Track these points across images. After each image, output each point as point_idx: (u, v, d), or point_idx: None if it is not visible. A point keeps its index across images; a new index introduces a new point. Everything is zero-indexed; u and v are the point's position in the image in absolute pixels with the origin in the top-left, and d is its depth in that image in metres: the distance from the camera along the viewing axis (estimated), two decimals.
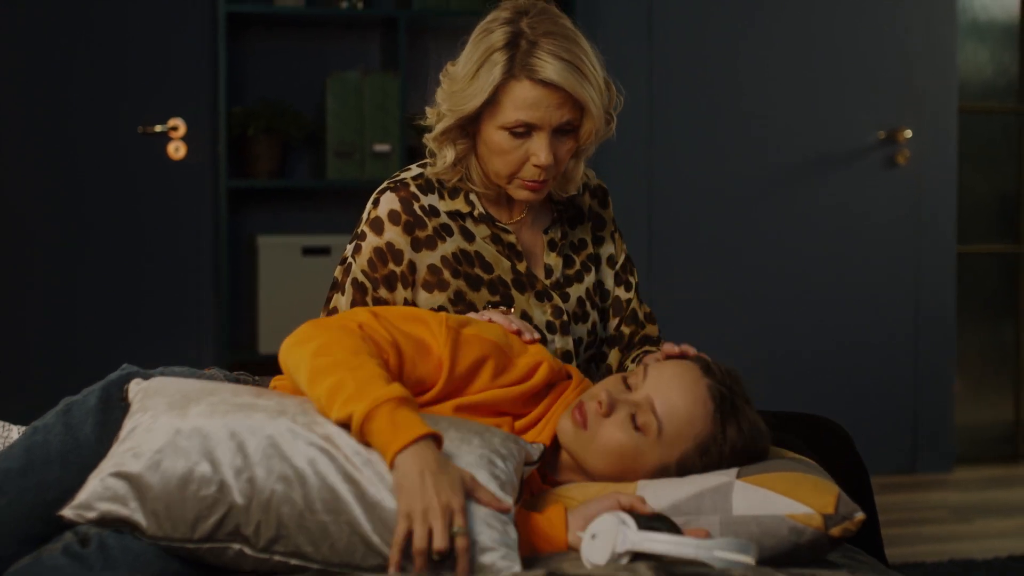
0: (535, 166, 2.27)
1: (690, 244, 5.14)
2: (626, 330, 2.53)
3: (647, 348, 2.51)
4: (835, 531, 1.90)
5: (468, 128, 2.32)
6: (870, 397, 5.29)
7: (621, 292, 2.52)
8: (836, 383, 5.25)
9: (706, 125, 5.17)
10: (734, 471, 1.99)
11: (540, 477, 2.11)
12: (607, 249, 2.52)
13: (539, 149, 2.25)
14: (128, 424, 1.90)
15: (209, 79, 4.69)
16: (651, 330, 2.56)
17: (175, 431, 1.85)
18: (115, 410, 1.97)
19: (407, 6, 4.81)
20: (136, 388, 1.98)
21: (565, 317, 2.39)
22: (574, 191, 2.44)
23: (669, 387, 2.03)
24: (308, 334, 1.94)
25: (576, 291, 2.44)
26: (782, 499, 1.91)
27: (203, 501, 1.80)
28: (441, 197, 2.36)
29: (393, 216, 2.33)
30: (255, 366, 4.72)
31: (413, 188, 2.35)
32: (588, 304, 2.45)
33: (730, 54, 5.18)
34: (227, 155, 4.65)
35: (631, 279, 2.54)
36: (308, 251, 4.69)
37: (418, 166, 2.41)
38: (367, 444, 1.81)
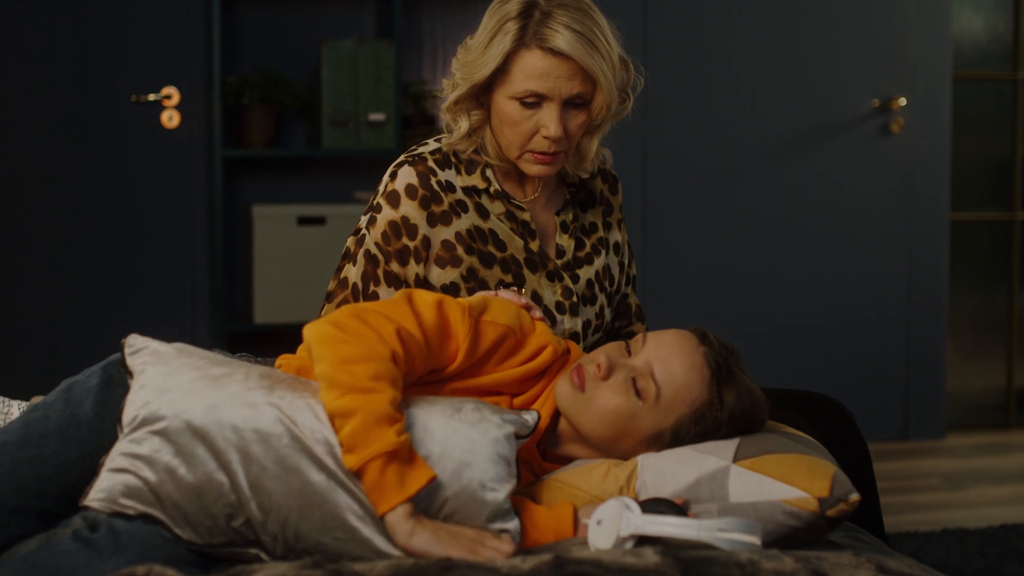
0: (545, 138, 2.27)
1: (684, 214, 5.14)
2: (617, 323, 2.57)
3: None
4: (831, 513, 1.92)
5: (482, 98, 2.32)
6: (862, 365, 5.31)
7: (623, 282, 2.54)
8: (829, 351, 5.27)
9: (700, 95, 5.16)
10: (730, 454, 1.99)
11: (540, 453, 2.13)
12: (614, 236, 2.52)
13: (549, 120, 2.25)
14: (137, 399, 1.89)
15: (203, 48, 4.67)
16: (638, 327, 2.59)
17: (190, 430, 1.85)
18: (116, 388, 1.96)
19: None
20: (140, 360, 1.95)
21: (575, 298, 2.40)
22: (590, 169, 2.43)
23: (668, 353, 2.05)
24: (340, 334, 1.90)
25: (586, 273, 2.44)
26: (777, 484, 1.92)
27: (222, 511, 1.83)
28: (458, 172, 2.36)
29: (410, 190, 2.32)
30: (251, 336, 4.73)
31: (431, 163, 2.35)
32: (597, 287, 2.45)
33: (724, 24, 5.16)
34: (221, 124, 4.63)
35: (630, 271, 2.56)
36: (303, 221, 4.68)
37: (435, 140, 2.41)
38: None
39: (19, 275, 4.61)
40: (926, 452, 5.28)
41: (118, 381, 1.97)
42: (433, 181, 2.33)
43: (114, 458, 1.87)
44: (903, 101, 5.28)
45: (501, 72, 2.27)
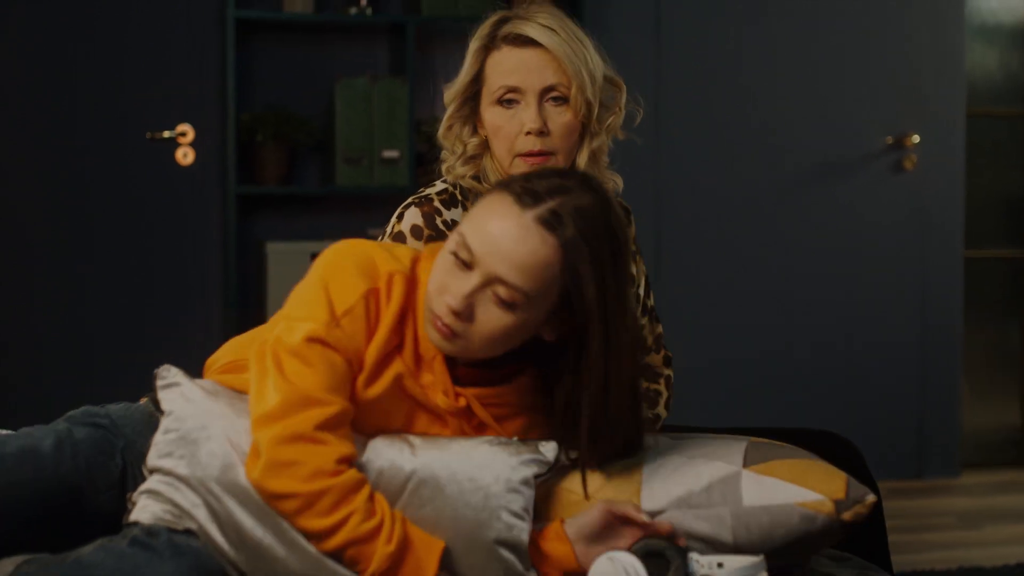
0: (528, 134, 2.28)
1: (696, 249, 5.14)
2: None
3: None
4: (847, 516, 1.89)
5: (473, 120, 2.36)
6: (876, 402, 5.28)
7: (639, 314, 2.52)
8: (842, 387, 5.25)
9: (713, 130, 5.16)
10: (739, 459, 1.96)
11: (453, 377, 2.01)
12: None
13: (527, 116, 2.28)
14: (162, 444, 1.92)
15: (218, 85, 4.69)
16: (652, 359, 2.55)
17: (204, 488, 1.89)
18: (80, 428, 1.99)
19: (415, 12, 4.82)
20: (170, 398, 1.98)
21: None
22: None
23: (502, 246, 1.87)
24: (279, 483, 1.85)
25: None
26: (791, 487, 1.90)
27: (232, 568, 1.88)
28: (464, 210, 2.37)
29: (415, 231, 2.33)
30: None
31: (437, 203, 2.36)
32: None
33: (737, 59, 5.18)
34: (236, 161, 4.65)
35: (648, 302, 2.55)
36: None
37: (442, 181, 2.43)
38: None
39: (33, 308, 4.63)
40: (941, 490, 5.25)
41: (82, 420, 2.00)
42: (439, 221, 2.34)
43: (148, 490, 1.91)
44: (916, 138, 5.28)
45: (480, 82, 2.32)
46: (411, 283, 1.97)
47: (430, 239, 2.32)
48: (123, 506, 1.95)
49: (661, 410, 2.47)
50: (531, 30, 2.27)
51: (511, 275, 1.86)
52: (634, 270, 2.52)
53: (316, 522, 1.82)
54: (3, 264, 4.60)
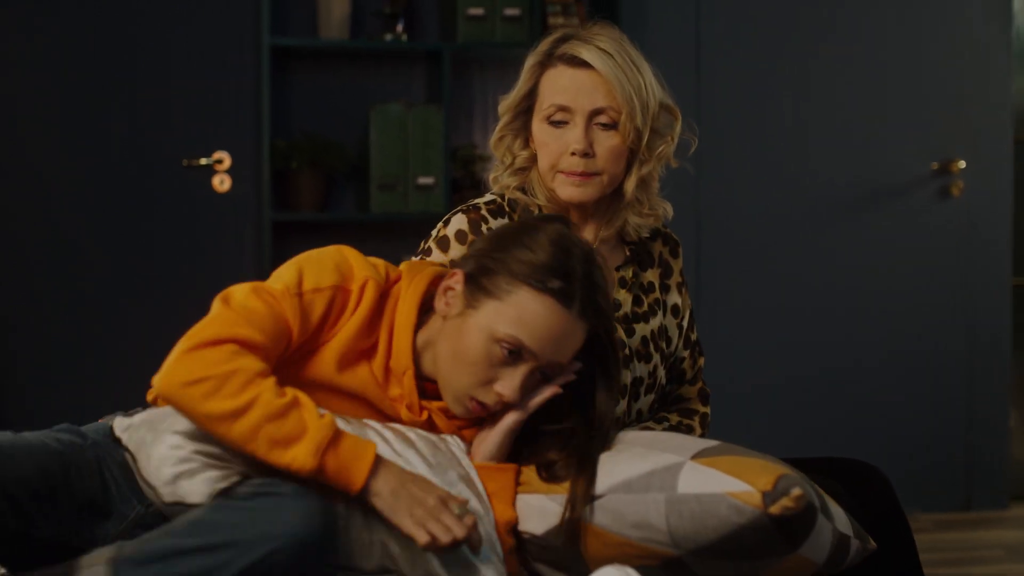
0: (572, 154, 2.30)
1: (738, 273, 5.09)
2: (669, 386, 2.53)
3: (663, 414, 2.50)
4: (774, 509, 1.86)
5: (525, 135, 2.38)
6: (922, 432, 5.20)
7: (681, 345, 2.51)
8: (888, 417, 5.17)
9: (757, 155, 5.12)
10: (690, 453, 1.97)
11: (419, 391, 2.10)
12: (672, 298, 2.52)
13: (573, 136, 2.30)
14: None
15: (253, 112, 4.70)
16: (687, 390, 2.54)
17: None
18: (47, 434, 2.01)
19: (451, 39, 4.81)
20: (125, 423, 2.04)
21: (627, 351, 2.38)
22: (645, 223, 2.44)
23: (559, 347, 2.04)
24: (197, 369, 1.92)
25: (642, 330, 2.43)
26: (726, 478, 1.90)
27: None
28: (510, 221, 2.38)
29: (460, 235, 2.35)
30: None
31: (484, 211, 2.39)
32: (652, 346, 2.44)
33: (781, 85, 5.13)
34: (271, 188, 4.65)
35: (691, 335, 2.54)
36: None
37: (491, 194, 2.45)
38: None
39: (69, 334, 4.64)
40: (989, 523, 5.15)
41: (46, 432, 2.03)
42: (484, 228, 2.36)
43: (182, 472, 1.92)
44: (962, 164, 5.21)
45: (534, 97, 2.35)
46: (384, 294, 2.05)
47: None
48: (98, 496, 1.94)
49: None
50: (587, 52, 2.29)
51: (562, 357, 2.05)
52: (680, 302, 2.53)
53: (227, 403, 1.85)
54: (39, 286, 4.63)
